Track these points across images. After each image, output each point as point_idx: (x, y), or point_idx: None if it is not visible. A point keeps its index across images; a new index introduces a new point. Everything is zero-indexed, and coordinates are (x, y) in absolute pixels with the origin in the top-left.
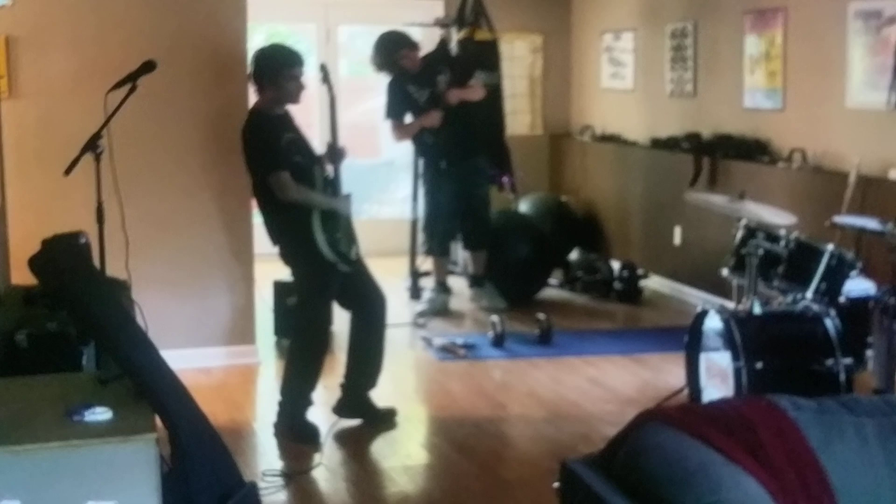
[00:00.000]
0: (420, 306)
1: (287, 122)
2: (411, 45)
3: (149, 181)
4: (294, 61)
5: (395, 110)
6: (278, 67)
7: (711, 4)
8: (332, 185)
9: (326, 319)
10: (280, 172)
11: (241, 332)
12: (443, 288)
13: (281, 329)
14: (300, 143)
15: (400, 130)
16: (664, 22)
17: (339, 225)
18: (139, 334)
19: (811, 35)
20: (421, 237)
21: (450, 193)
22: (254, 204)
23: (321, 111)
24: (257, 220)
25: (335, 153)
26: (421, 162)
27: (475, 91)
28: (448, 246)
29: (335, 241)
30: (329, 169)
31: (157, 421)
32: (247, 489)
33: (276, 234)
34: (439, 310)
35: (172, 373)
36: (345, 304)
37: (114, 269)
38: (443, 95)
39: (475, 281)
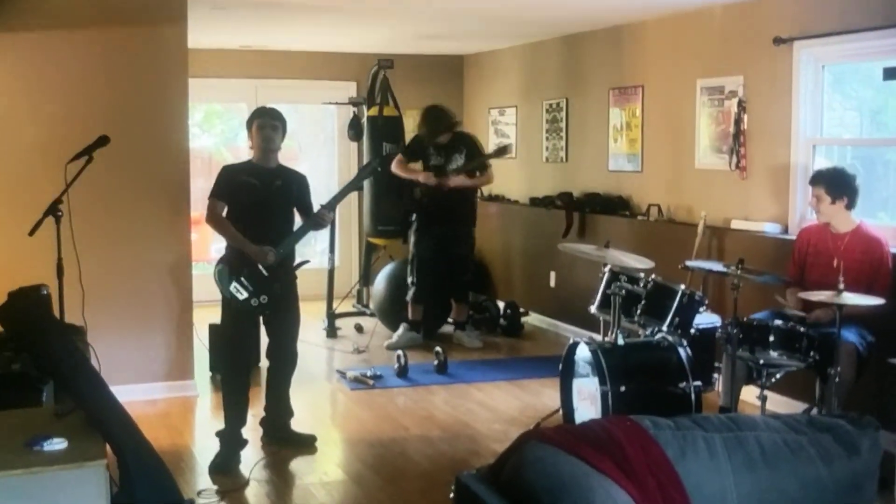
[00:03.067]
0: (391, 340)
1: (257, 171)
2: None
3: (103, 240)
4: (253, 116)
5: (409, 153)
6: (250, 122)
7: (581, 83)
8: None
9: (240, 356)
10: (213, 200)
11: (181, 369)
12: (413, 326)
13: (215, 365)
14: (256, 190)
15: (401, 167)
16: (541, 98)
17: (250, 271)
18: (92, 373)
19: (665, 107)
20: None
21: (437, 252)
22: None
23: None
24: (196, 271)
25: (317, 217)
26: (414, 217)
27: (475, 182)
28: (433, 294)
29: (237, 285)
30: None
31: (108, 448)
32: None
33: None
34: (407, 344)
35: (120, 406)
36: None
37: (72, 317)
38: (447, 174)
39: (458, 325)
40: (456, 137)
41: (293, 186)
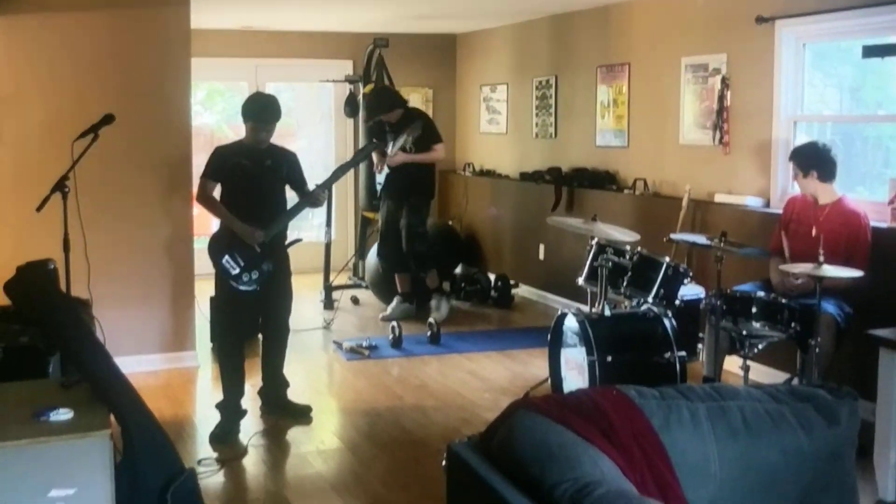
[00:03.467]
0: (385, 312)
1: (249, 151)
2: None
3: (107, 216)
4: (247, 115)
5: (372, 134)
6: (244, 115)
7: (570, 61)
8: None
9: (235, 329)
10: (204, 179)
11: (183, 341)
12: (406, 298)
13: (215, 337)
14: (247, 171)
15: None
16: (531, 76)
17: (242, 248)
18: (97, 345)
19: (651, 85)
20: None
21: (389, 224)
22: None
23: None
24: (197, 245)
25: (311, 196)
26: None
27: (418, 158)
28: (401, 265)
29: (232, 261)
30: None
31: (112, 419)
32: (187, 474)
33: None
34: (401, 316)
35: (124, 377)
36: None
37: (77, 290)
38: (385, 154)
39: (430, 294)
40: (405, 116)
41: (283, 164)
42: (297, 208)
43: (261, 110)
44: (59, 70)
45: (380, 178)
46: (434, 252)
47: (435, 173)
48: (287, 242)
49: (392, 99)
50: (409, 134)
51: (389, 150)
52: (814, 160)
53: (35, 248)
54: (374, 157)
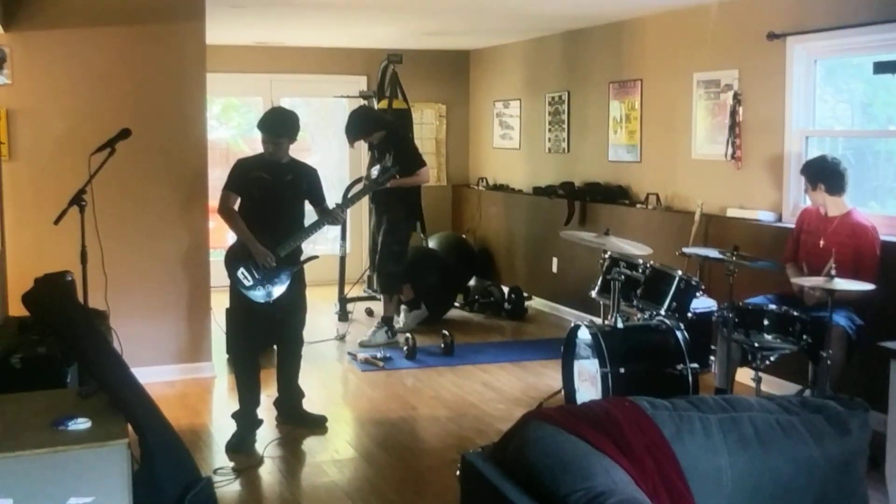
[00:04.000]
0: (399, 324)
1: (270, 165)
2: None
3: (124, 229)
4: (259, 128)
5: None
6: (261, 129)
7: (582, 76)
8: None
9: (250, 340)
10: (226, 192)
11: (199, 352)
12: (413, 305)
13: (231, 348)
14: (267, 184)
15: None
16: (544, 91)
17: (257, 262)
18: (114, 356)
19: (663, 100)
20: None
21: (372, 240)
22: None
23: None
24: (213, 258)
25: (331, 214)
26: None
27: (401, 182)
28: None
29: (247, 273)
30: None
31: (129, 428)
32: (204, 482)
33: None
34: (415, 323)
35: (141, 387)
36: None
37: (95, 302)
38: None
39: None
40: (387, 137)
41: (304, 180)
42: (316, 226)
43: (270, 124)
44: (77, 85)
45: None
46: (403, 273)
47: (419, 195)
48: (303, 258)
49: (371, 121)
50: (382, 174)
51: (373, 172)
52: (821, 173)
53: (53, 261)
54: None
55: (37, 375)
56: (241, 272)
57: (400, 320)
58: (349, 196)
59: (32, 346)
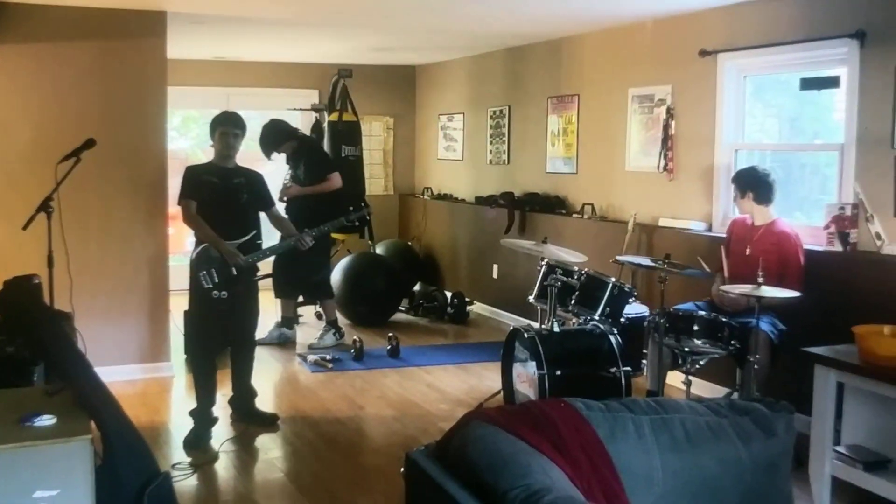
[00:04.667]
0: (262, 336)
1: (217, 171)
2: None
3: (89, 234)
4: (217, 123)
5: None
6: (213, 126)
7: (522, 92)
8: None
9: (207, 341)
10: (185, 201)
11: (158, 352)
12: (283, 323)
13: (189, 349)
14: (217, 188)
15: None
16: (486, 106)
17: (220, 269)
18: (78, 356)
19: (599, 114)
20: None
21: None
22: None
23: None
24: (172, 262)
25: (298, 238)
26: None
27: (314, 189)
28: (287, 291)
29: (205, 273)
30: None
31: (92, 425)
32: (163, 477)
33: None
34: (274, 341)
35: (104, 385)
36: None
37: (60, 304)
38: (285, 187)
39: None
40: (300, 147)
41: (250, 183)
42: (282, 245)
43: (229, 115)
44: (44, 97)
45: None
46: (327, 282)
47: (335, 203)
48: (260, 275)
49: (282, 133)
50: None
51: (286, 180)
52: (751, 183)
53: (21, 264)
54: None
55: (4, 374)
56: (203, 274)
57: (316, 337)
58: (321, 227)
59: (1, 346)
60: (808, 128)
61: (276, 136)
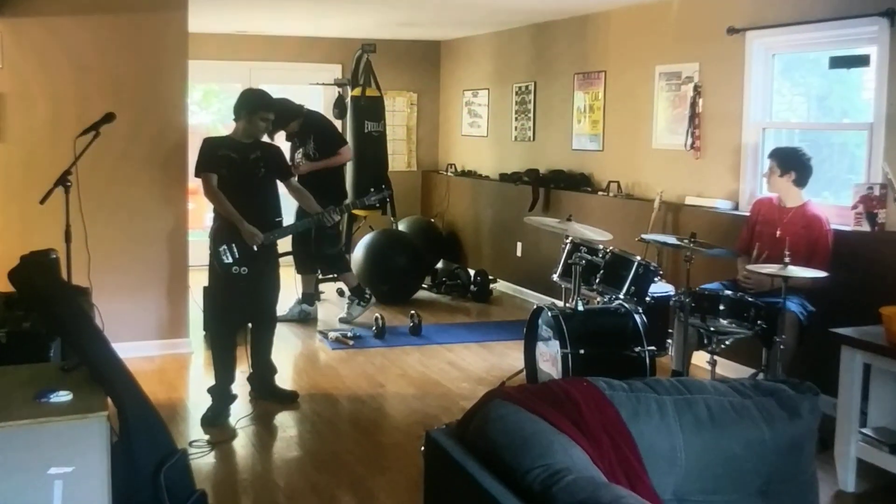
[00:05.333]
0: (283, 313)
1: (235, 145)
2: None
3: (107, 209)
4: (254, 105)
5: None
6: (247, 106)
7: (548, 68)
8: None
9: (227, 318)
10: (205, 174)
11: (177, 328)
12: (304, 299)
13: (208, 325)
14: (235, 163)
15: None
16: (511, 82)
17: (241, 244)
18: (95, 331)
19: (626, 91)
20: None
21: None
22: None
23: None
24: (192, 238)
25: (321, 214)
26: None
27: (326, 163)
28: (309, 266)
29: (225, 249)
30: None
31: (108, 401)
32: (179, 454)
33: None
34: (293, 318)
35: (121, 361)
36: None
37: (78, 279)
38: (295, 163)
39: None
40: (305, 123)
41: (268, 157)
42: (305, 224)
43: (266, 99)
44: (63, 70)
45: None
46: (343, 254)
47: (343, 176)
48: (280, 253)
49: (288, 111)
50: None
51: (297, 158)
52: (795, 162)
53: (38, 239)
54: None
55: (21, 350)
56: (224, 248)
57: (344, 310)
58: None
59: (18, 321)
60: (836, 107)
61: (284, 114)
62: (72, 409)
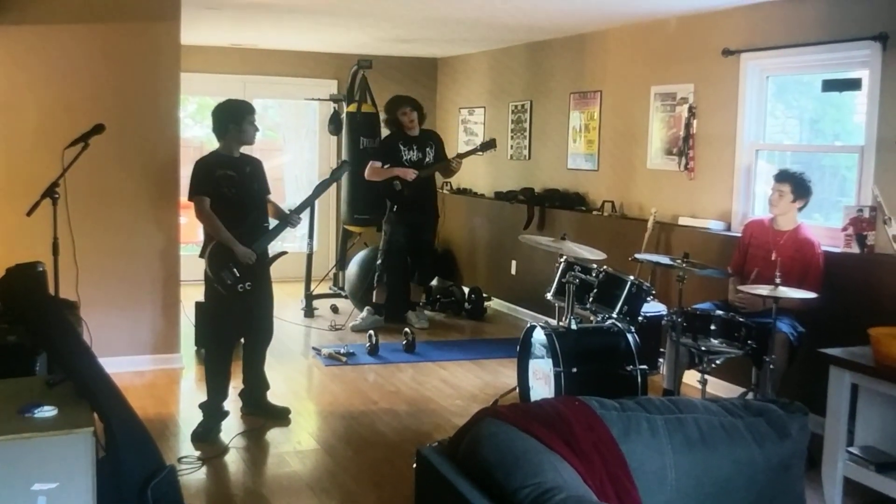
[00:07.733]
0: (356, 321)
1: (230, 162)
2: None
3: (96, 221)
4: (240, 113)
5: (383, 157)
6: (237, 114)
7: (544, 86)
8: (261, 234)
9: (225, 334)
10: (199, 197)
11: (168, 343)
12: (377, 309)
13: (200, 340)
14: (235, 181)
15: (377, 172)
16: (507, 100)
17: (235, 260)
18: (81, 346)
19: (621, 111)
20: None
21: (408, 238)
22: (180, 238)
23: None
24: (183, 252)
25: (287, 217)
26: (389, 204)
27: (446, 169)
28: (394, 278)
29: (227, 272)
30: (274, 223)
31: (95, 416)
32: (167, 470)
33: (203, 252)
34: (370, 326)
35: (108, 376)
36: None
37: (66, 292)
38: (425, 167)
39: (410, 306)
40: (423, 133)
41: (256, 170)
42: (278, 230)
43: (247, 104)
44: (53, 80)
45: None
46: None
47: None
48: (272, 255)
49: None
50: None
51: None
52: (807, 191)
53: (25, 251)
54: (401, 173)
55: (6, 363)
56: (225, 273)
57: (358, 318)
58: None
59: (2, 334)
60: (828, 129)
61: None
62: (57, 424)
